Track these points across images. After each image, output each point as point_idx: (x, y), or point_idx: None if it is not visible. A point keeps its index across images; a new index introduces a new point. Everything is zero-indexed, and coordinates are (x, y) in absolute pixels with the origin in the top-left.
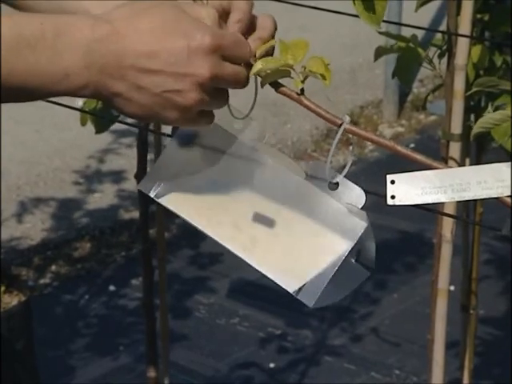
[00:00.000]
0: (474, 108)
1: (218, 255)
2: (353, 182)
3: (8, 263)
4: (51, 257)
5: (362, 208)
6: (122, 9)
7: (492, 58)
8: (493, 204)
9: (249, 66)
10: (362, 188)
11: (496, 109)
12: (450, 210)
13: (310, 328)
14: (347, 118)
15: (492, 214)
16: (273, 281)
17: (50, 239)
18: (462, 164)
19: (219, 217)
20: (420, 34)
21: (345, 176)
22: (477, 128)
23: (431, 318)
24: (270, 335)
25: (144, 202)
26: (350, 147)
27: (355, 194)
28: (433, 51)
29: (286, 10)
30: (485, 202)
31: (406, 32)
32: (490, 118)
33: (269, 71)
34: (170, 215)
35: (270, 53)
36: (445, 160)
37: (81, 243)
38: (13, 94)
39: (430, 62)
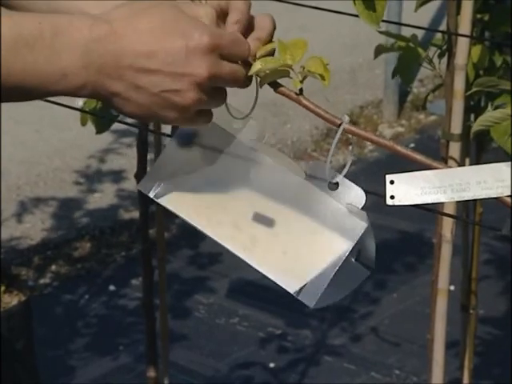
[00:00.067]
0: (473, 108)
1: (218, 255)
2: (352, 181)
3: (8, 263)
4: (51, 257)
5: (362, 208)
6: (121, 9)
7: (492, 57)
8: (493, 204)
9: (248, 66)
10: (362, 188)
11: (496, 108)
12: (449, 209)
13: (310, 328)
14: (346, 118)
15: (492, 213)
16: (273, 281)
17: (50, 239)
18: (461, 164)
19: (219, 216)
20: (420, 33)
21: (344, 176)
22: (476, 126)
23: (431, 318)
24: (269, 335)
25: (144, 202)
26: (350, 147)
27: (355, 194)
28: (433, 51)
29: (286, 9)
30: (484, 201)
31: (406, 32)
32: (489, 116)
33: (268, 71)
34: (170, 215)
35: (270, 55)
36: (445, 160)
37: (81, 243)
38: (11, 94)
39: (430, 61)
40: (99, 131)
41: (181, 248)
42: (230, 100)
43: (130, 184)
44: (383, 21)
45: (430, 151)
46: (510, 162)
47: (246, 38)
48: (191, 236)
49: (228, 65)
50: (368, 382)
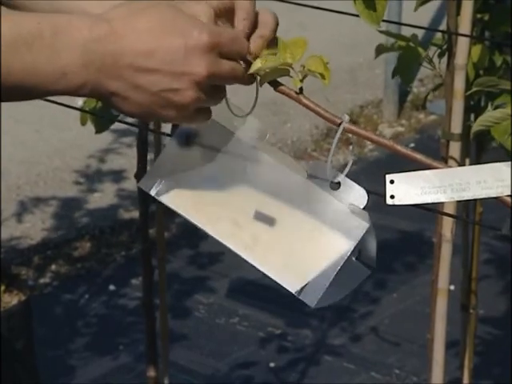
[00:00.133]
0: (473, 108)
1: (218, 255)
2: (353, 181)
3: (8, 263)
4: (51, 256)
5: (363, 208)
6: (120, 8)
7: (492, 57)
8: (492, 204)
9: (248, 64)
10: (362, 187)
11: (496, 108)
12: (449, 209)
13: (310, 327)
14: (346, 117)
15: (492, 213)
16: (274, 281)
17: (49, 239)
18: (461, 164)
19: (219, 215)
20: (420, 33)
21: (345, 175)
22: (476, 126)
23: (431, 318)
24: (269, 335)
25: (144, 201)
26: (350, 147)
27: (357, 194)
28: (433, 51)
29: (287, 9)
30: (484, 201)
31: (406, 32)
32: (489, 115)
33: (268, 70)
34: (170, 215)
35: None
36: (445, 160)
37: (81, 243)
38: (11, 93)
39: (430, 61)
40: (99, 131)
41: (181, 248)
42: (230, 99)
43: (130, 184)
44: (383, 20)
45: (430, 151)
46: (509, 162)
47: (250, 35)
48: (191, 236)
49: (227, 63)
50: (368, 381)
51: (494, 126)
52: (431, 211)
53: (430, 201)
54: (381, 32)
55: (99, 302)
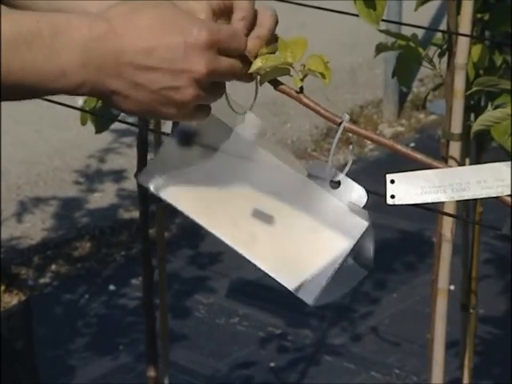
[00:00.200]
0: (474, 107)
1: (218, 255)
2: (353, 181)
3: (8, 262)
4: (51, 256)
5: (363, 207)
6: (119, 7)
7: (492, 57)
8: (493, 203)
9: (248, 62)
10: (362, 187)
11: (496, 108)
12: (449, 209)
13: (310, 327)
14: (347, 117)
15: (492, 213)
16: (273, 278)
17: (49, 239)
18: (461, 163)
19: (218, 212)
20: (420, 33)
21: (345, 175)
22: (476, 125)
23: (431, 318)
24: (269, 335)
25: (144, 201)
26: (350, 146)
27: (357, 193)
28: (433, 50)
29: (287, 8)
30: (485, 201)
31: (406, 32)
32: (489, 115)
33: (268, 69)
34: (170, 215)
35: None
36: (445, 159)
37: (81, 243)
38: (11, 92)
39: (430, 61)
40: (99, 131)
41: (181, 248)
42: (230, 95)
43: (130, 184)
44: (383, 20)
45: (430, 151)
46: (509, 162)
47: (248, 35)
48: (191, 236)
49: (226, 60)
50: (368, 381)
51: (494, 125)
52: (431, 211)
53: (430, 200)
54: (381, 32)
55: (99, 302)
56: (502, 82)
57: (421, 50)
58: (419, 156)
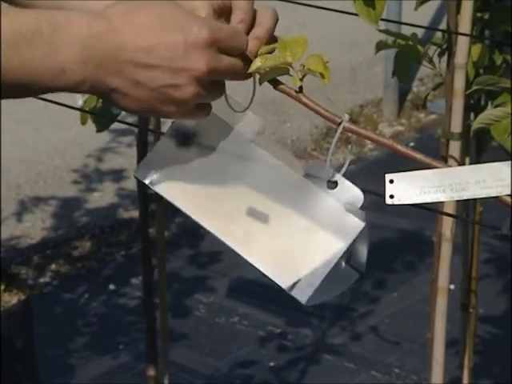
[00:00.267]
0: (473, 107)
1: (218, 254)
2: (352, 181)
3: (8, 262)
4: (51, 255)
5: (361, 207)
6: (119, 5)
7: (492, 56)
8: (492, 203)
9: (247, 62)
10: (361, 187)
11: (496, 107)
12: (449, 209)
13: (310, 327)
14: (346, 117)
15: (492, 212)
16: (266, 276)
17: (49, 238)
18: (461, 163)
19: (213, 208)
20: (420, 33)
21: (344, 175)
22: (476, 124)
23: (431, 317)
24: (269, 334)
25: (144, 200)
26: (349, 146)
27: (353, 194)
28: (433, 50)
29: (287, 8)
30: (484, 201)
31: (406, 31)
32: (489, 114)
33: (267, 69)
34: (170, 214)
35: (270, 53)
36: (444, 159)
37: (81, 242)
38: (11, 90)
39: (430, 60)
40: (99, 130)
41: (181, 247)
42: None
43: (130, 183)
44: (383, 19)
45: (430, 150)
46: (509, 162)
47: (247, 35)
48: (191, 235)
49: (226, 58)
50: (368, 380)
51: (493, 124)
52: (431, 211)
53: (429, 200)
54: (381, 31)
55: (99, 302)
56: (502, 80)
57: (420, 49)
58: (419, 156)
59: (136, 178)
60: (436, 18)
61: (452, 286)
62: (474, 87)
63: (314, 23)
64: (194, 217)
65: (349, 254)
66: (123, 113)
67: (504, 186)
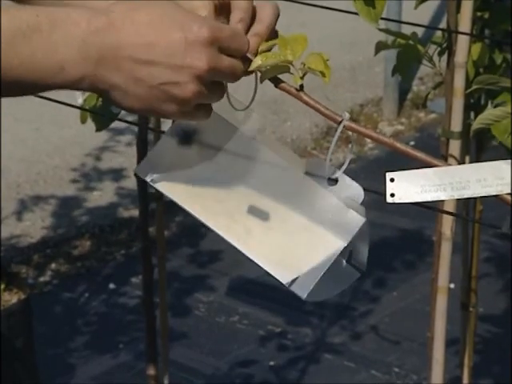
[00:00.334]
0: (473, 106)
1: (218, 253)
2: (352, 179)
3: (8, 261)
4: (51, 255)
5: (361, 204)
6: (120, 4)
7: (492, 55)
8: (492, 202)
9: (247, 61)
10: (362, 186)
11: (496, 107)
12: (449, 207)
13: (310, 326)
14: (347, 115)
15: (492, 211)
16: (266, 271)
17: (49, 237)
18: (461, 162)
19: (214, 205)
20: (420, 32)
21: (344, 173)
22: (476, 124)
23: (431, 316)
24: (269, 333)
25: (144, 199)
26: (350, 144)
27: (354, 191)
28: (433, 49)
29: (286, 7)
30: (484, 199)
31: (406, 31)
32: (489, 113)
33: (268, 67)
34: (170, 213)
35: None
36: (444, 158)
37: (80, 241)
38: (10, 88)
39: (430, 59)
40: (99, 129)
41: (181, 246)
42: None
43: (130, 182)
44: (383, 19)
45: (430, 149)
46: (509, 160)
47: (247, 33)
48: (191, 234)
49: (227, 59)
50: (368, 379)
51: (494, 124)
52: (431, 209)
53: (430, 199)
54: (381, 30)
55: (99, 301)
56: (502, 80)
57: (420, 47)
58: (419, 154)
59: (136, 177)
60: (436, 17)
61: (452, 285)
62: (474, 86)
63: (314, 23)
64: (194, 213)
65: (350, 253)
66: (123, 111)
67: (504, 185)
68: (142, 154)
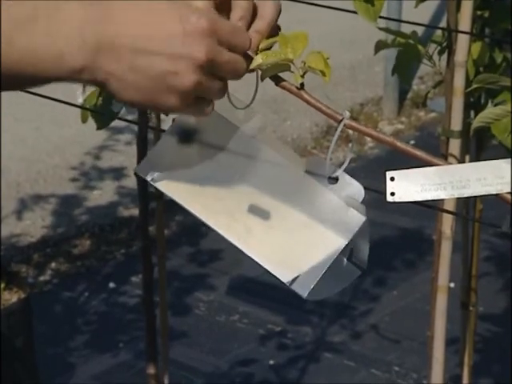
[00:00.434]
0: (473, 105)
1: (218, 252)
2: (352, 178)
3: (8, 260)
4: (51, 254)
5: (361, 203)
6: None
7: (492, 54)
8: (492, 201)
9: (248, 59)
10: (362, 184)
11: (496, 106)
12: (449, 206)
13: (310, 325)
14: (347, 114)
15: (492, 210)
16: (267, 270)
17: (49, 236)
18: (461, 161)
19: (215, 204)
20: (420, 30)
21: (344, 172)
22: (476, 122)
23: (431, 315)
24: (269, 332)
25: (144, 199)
26: (350, 143)
27: (354, 189)
28: (433, 48)
29: (286, 5)
30: (484, 198)
31: (406, 30)
32: (489, 112)
33: (269, 65)
34: (170, 212)
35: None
36: (444, 157)
37: (80, 240)
38: (10, 82)
39: (430, 58)
40: (99, 127)
41: (181, 245)
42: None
43: (130, 181)
44: (383, 17)
45: (430, 148)
46: (509, 159)
47: (247, 29)
48: (191, 233)
49: (227, 53)
50: (368, 378)
51: (493, 122)
52: (431, 208)
53: (430, 198)
54: (380, 29)
55: (99, 300)
56: (502, 79)
57: (420, 47)
58: (419, 153)
59: (136, 176)
60: (436, 16)
61: (452, 284)
62: (474, 85)
63: (313, 21)
64: (194, 212)
65: (350, 251)
66: (123, 111)
67: (504, 184)
68: (142, 153)
